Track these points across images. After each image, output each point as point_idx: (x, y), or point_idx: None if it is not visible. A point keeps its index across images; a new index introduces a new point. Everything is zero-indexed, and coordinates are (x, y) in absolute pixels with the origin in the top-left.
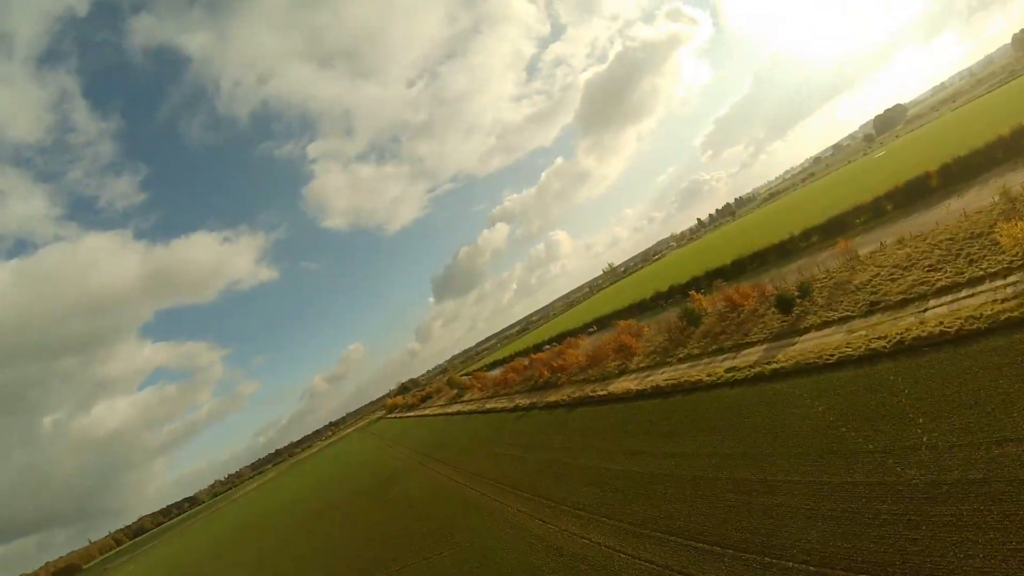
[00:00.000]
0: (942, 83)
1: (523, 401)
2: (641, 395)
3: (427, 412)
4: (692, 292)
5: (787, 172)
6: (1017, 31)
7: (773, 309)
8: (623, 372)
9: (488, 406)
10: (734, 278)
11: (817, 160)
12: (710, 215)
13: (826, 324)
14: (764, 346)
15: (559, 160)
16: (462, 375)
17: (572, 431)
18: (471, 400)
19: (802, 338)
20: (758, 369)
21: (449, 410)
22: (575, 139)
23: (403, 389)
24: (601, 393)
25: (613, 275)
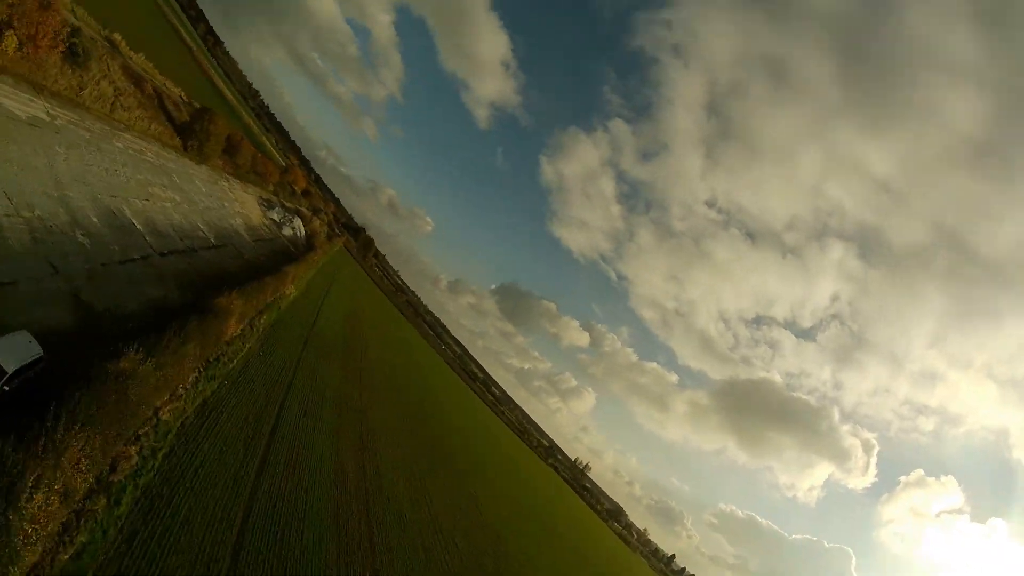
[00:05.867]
0: None
1: None
2: None
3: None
4: None
5: None
6: None
7: None
8: None
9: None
10: None
11: None
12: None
13: None
14: None
15: (672, 378)
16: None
17: None
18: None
19: None
20: None
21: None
22: (698, 383)
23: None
24: None
25: (540, 451)
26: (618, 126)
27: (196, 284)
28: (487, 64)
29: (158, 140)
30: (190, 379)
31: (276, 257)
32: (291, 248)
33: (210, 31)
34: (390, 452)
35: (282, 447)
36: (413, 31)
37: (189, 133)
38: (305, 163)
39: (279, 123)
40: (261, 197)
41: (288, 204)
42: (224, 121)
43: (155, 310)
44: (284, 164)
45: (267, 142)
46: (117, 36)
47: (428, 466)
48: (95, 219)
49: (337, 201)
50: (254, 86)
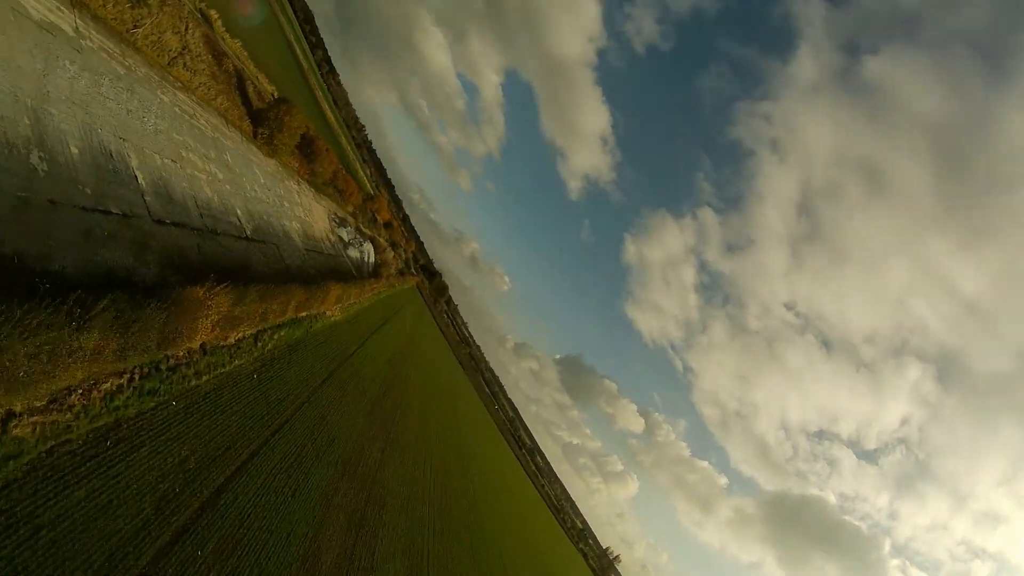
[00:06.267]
0: None
1: None
2: None
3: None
4: None
5: None
6: None
7: None
8: None
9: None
10: None
11: None
12: None
13: None
14: None
15: (722, 480)
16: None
17: None
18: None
19: None
20: None
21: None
22: (747, 491)
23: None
24: None
25: (572, 533)
26: (707, 215)
27: (194, 268)
28: (586, 137)
29: (222, 116)
30: (108, 386)
31: (329, 274)
32: (352, 271)
33: (327, 60)
34: (397, 533)
35: (227, 514)
36: (519, 95)
37: (261, 120)
38: (396, 201)
39: (378, 159)
40: (335, 213)
41: (365, 229)
42: (302, 116)
43: (105, 280)
44: (372, 193)
45: (360, 170)
46: (213, 13)
47: (445, 556)
48: (74, 149)
49: (420, 243)
50: (360, 120)
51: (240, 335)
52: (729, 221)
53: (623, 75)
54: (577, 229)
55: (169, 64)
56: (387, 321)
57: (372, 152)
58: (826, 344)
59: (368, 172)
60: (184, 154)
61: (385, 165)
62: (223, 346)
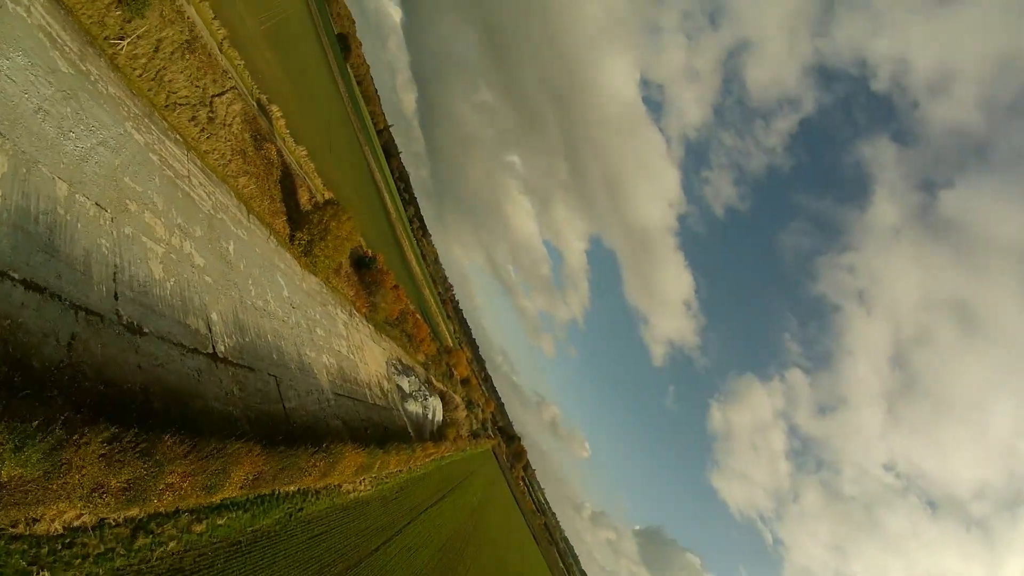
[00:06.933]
0: None
1: None
2: None
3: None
4: None
5: None
6: None
7: None
8: None
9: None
10: None
11: None
12: None
13: None
14: None
15: None
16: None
17: None
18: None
19: None
20: None
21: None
22: None
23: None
24: None
25: None
26: (795, 376)
27: (35, 375)
28: (669, 302)
29: (242, 200)
30: None
31: (365, 429)
32: (407, 429)
33: (418, 216)
34: None
35: None
36: (603, 261)
37: (302, 223)
38: (479, 361)
39: (463, 318)
40: (399, 359)
41: (436, 382)
42: (353, 227)
43: None
44: (451, 346)
45: (442, 324)
46: (275, 109)
47: None
48: None
49: (501, 405)
50: (449, 279)
51: (82, 518)
52: (819, 381)
53: (704, 238)
54: (661, 396)
55: (166, 107)
56: (447, 494)
57: (458, 310)
58: (931, 504)
59: (451, 328)
60: (134, 208)
61: (470, 324)
62: (20, 536)
